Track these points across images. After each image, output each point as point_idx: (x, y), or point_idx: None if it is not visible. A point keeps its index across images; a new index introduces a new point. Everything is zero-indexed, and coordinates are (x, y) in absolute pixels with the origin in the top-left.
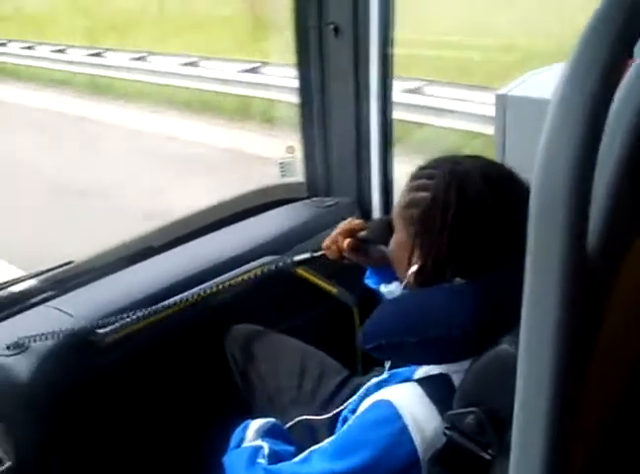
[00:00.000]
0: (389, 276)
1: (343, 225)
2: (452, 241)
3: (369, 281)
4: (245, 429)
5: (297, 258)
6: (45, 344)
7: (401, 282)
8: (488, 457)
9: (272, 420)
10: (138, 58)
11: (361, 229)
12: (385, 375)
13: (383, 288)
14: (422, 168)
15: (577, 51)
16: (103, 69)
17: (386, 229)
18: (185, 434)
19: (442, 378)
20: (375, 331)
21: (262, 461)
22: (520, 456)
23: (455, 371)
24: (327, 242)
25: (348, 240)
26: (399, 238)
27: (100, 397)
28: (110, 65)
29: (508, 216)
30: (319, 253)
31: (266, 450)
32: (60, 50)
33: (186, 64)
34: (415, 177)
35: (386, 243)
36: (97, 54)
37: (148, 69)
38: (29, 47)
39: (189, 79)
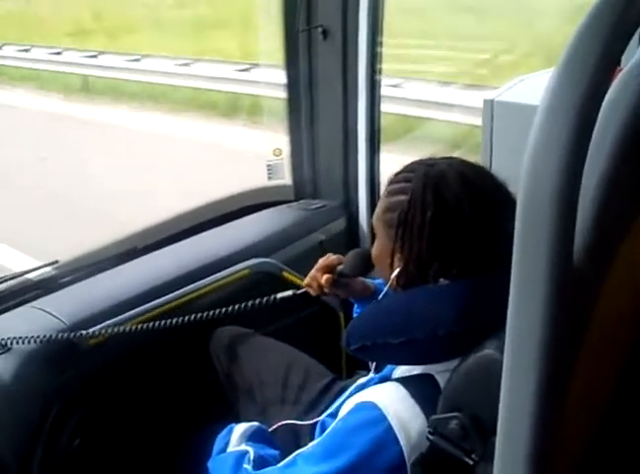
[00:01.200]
0: None
1: (321, 262)
2: (433, 242)
3: (356, 314)
4: (229, 433)
5: (280, 295)
6: (29, 345)
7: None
8: (471, 463)
9: (256, 424)
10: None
11: (339, 263)
12: (366, 379)
13: None
14: (398, 172)
15: (565, 58)
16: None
17: (362, 261)
18: (169, 437)
19: (426, 378)
20: (360, 332)
21: (247, 467)
22: (503, 462)
23: (439, 371)
24: (307, 280)
25: (326, 276)
26: (380, 242)
27: (83, 399)
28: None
29: (486, 215)
30: (301, 291)
31: (251, 455)
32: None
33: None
34: (392, 181)
35: (364, 274)
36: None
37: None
38: None
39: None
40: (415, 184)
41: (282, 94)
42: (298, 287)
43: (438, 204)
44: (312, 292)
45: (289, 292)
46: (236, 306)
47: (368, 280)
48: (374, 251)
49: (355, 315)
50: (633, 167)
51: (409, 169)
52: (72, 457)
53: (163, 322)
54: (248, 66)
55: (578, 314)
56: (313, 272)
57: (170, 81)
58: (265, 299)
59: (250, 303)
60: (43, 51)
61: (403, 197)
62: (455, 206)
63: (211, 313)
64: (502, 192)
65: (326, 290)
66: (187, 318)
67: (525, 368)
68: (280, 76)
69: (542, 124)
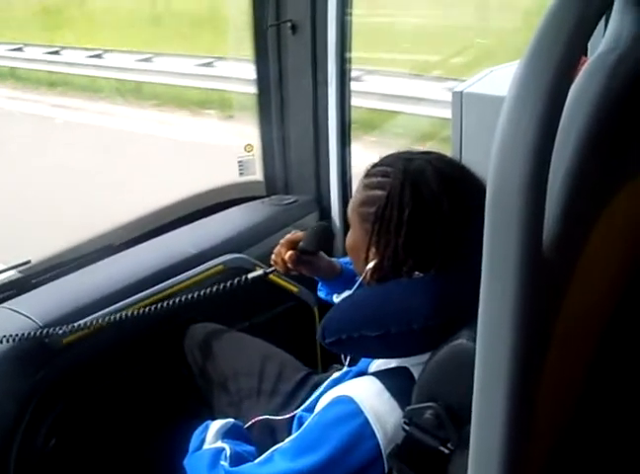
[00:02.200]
0: (341, 287)
1: (286, 237)
2: (409, 239)
3: (321, 293)
4: (205, 430)
5: (251, 275)
6: (1, 346)
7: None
8: (447, 452)
9: (231, 420)
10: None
11: (302, 240)
12: (341, 372)
13: (335, 299)
14: (375, 165)
15: (532, 49)
16: None
17: (320, 236)
18: (145, 434)
19: (402, 371)
20: (334, 325)
21: (224, 463)
22: (478, 450)
23: (414, 364)
24: (273, 256)
25: (289, 253)
26: (355, 235)
27: (58, 398)
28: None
29: (463, 211)
30: (271, 269)
31: (227, 452)
32: None
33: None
34: (369, 174)
35: (324, 249)
36: None
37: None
38: None
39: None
40: (393, 179)
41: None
42: (266, 274)
43: (415, 202)
44: (279, 269)
45: (260, 271)
46: (207, 290)
47: (334, 259)
48: (348, 241)
49: (319, 293)
50: (600, 156)
51: (387, 162)
52: (48, 457)
53: (137, 319)
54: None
55: (548, 303)
56: (278, 247)
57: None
58: (236, 280)
59: (222, 286)
60: None
61: (380, 193)
62: (433, 205)
63: (183, 299)
64: (479, 188)
65: (290, 266)
66: (157, 311)
67: (497, 357)
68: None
69: (509, 115)
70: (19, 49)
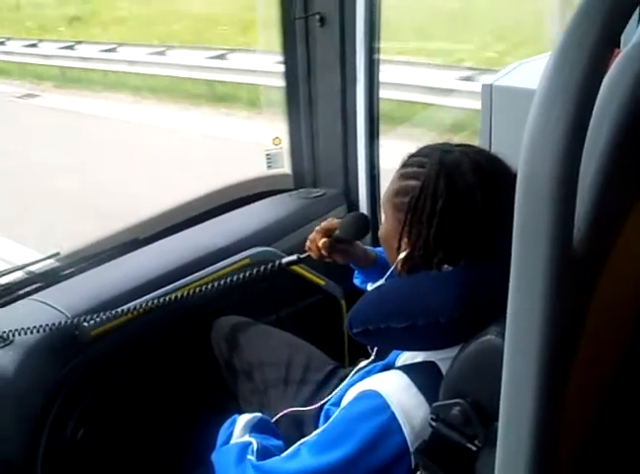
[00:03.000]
0: (375, 275)
1: (322, 224)
2: (441, 230)
3: (356, 281)
4: (232, 424)
5: (285, 260)
6: (30, 337)
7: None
8: (474, 449)
9: (258, 414)
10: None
11: (337, 228)
12: (369, 366)
13: (369, 287)
14: (412, 155)
15: (563, 41)
16: None
17: (357, 225)
18: (172, 428)
19: (429, 366)
20: (362, 316)
21: (251, 458)
22: (506, 448)
23: (442, 359)
24: (307, 243)
25: (323, 240)
26: (389, 224)
27: (86, 390)
28: None
29: (497, 206)
30: (305, 254)
31: (255, 446)
32: None
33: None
34: (405, 164)
35: (359, 238)
36: None
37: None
38: None
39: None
40: (429, 170)
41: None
42: (300, 260)
43: (449, 194)
44: (313, 255)
45: (294, 257)
46: (241, 275)
47: (369, 248)
48: (381, 231)
49: (354, 280)
50: (632, 150)
51: (424, 153)
52: (76, 448)
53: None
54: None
55: (578, 299)
56: (313, 234)
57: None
58: (270, 265)
59: (255, 270)
60: None
61: (415, 183)
62: (467, 197)
63: (212, 287)
64: (514, 183)
65: (324, 253)
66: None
67: (526, 353)
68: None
69: (540, 109)
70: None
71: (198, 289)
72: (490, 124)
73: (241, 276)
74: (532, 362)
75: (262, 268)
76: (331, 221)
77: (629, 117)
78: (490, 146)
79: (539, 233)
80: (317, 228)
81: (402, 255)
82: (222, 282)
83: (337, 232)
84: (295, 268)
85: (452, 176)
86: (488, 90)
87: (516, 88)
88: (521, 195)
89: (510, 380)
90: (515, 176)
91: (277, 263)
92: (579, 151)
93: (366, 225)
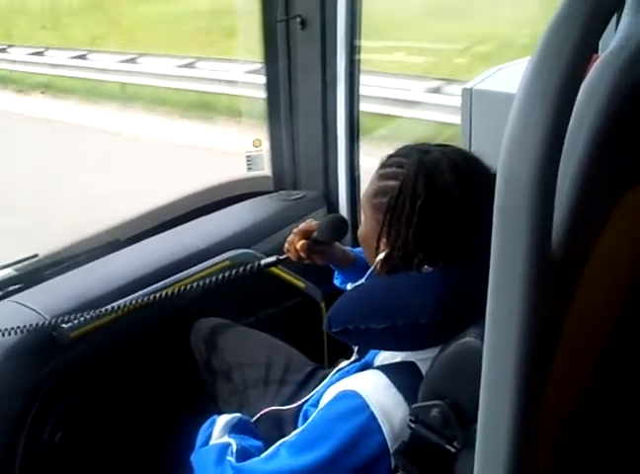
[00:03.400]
0: (355, 276)
1: (300, 226)
2: (420, 230)
3: (336, 281)
4: (211, 425)
5: (264, 261)
6: (8, 339)
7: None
8: (453, 450)
9: (237, 415)
10: None
11: (315, 230)
12: (347, 365)
13: (349, 287)
14: (391, 156)
15: (542, 45)
16: None
17: (335, 226)
18: (151, 430)
19: (408, 366)
20: (341, 315)
21: (230, 459)
22: (484, 449)
23: (421, 359)
24: (286, 245)
25: (301, 242)
26: (368, 225)
27: (65, 392)
28: None
29: (476, 207)
30: (284, 256)
31: (234, 447)
32: None
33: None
34: (384, 165)
35: (337, 239)
36: None
37: None
38: None
39: None
40: (407, 170)
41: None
42: (279, 261)
43: (428, 194)
44: (292, 257)
45: (273, 258)
46: (220, 276)
47: (348, 248)
48: (361, 231)
49: (334, 281)
50: (610, 155)
51: (402, 153)
52: (54, 451)
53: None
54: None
55: (556, 304)
56: (291, 236)
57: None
58: (249, 266)
59: (234, 271)
60: None
61: (394, 183)
62: (446, 197)
63: (191, 288)
64: (487, 178)
65: (302, 255)
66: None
67: (505, 356)
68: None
69: (519, 113)
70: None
71: (177, 290)
72: (470, 128)
73: (220, 276)
74: (511, 365)
75: (241, 269)
76: (309, 223)
77: (607, 121)
78: (470, 149)
79: (518, 236)
80: (295, 230)
81: (381, 255)
82: (202, 283)
83: (315, 234)
84: (275, 270)
85: (431, 175)
86: (468, 94)
87: (495, 92)
88: (500, 198)
89: (488, 383)
90: (493, 175)
91: (255, 264)
92: (557, 155)
93: (344, 226)
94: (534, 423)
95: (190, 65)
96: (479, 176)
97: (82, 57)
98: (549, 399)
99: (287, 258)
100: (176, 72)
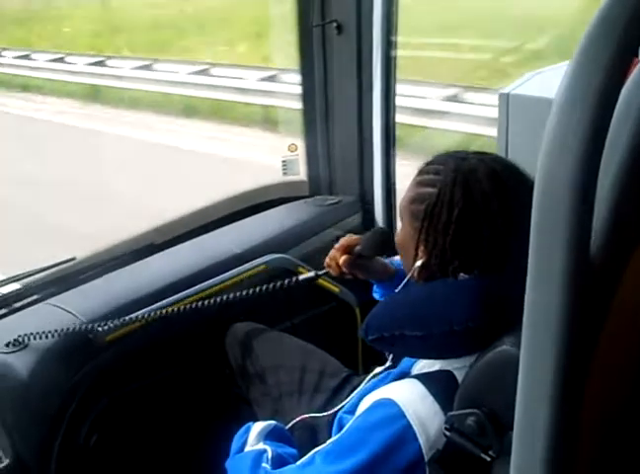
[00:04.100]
0: (394, 288)
1: (341, 241)
2: (457, 239)
3: (376, 295)
4: (247, 431)
5: (302, 277)
6: (45, 342)
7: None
8: (488, 459)
9: (273, 422)
10: None
11: (357, 244)
12: (383, 374)
13: None
14: (429, 163)
15: (581, 50)
16: None
17: (380, 241)
18: (186, 435)
19: (445, 375)
20: (378, 322)
21: (266, 466)
22: (520, 459)
23: (457, 368)
24: (327, 260)
25: (344, 257)
26: (405, 231)
27: (100, 395)
28: None
29: (513, 215)
30: (323, 271)
31: (269, 454)
32: None
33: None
34: (422, 171)
35: (382, 254)
36: None
37: None
38: None
39: None
40: (445, 178)
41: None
42: (317, 276)
43: (466, 202)
44: (332, 272)
45: (312, 273)
46: (257, 289)
47: (389, 261)
48: (399, 238)
49: (374, 294)
50: None
51: (440, 161)
52: (90, 453)
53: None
54: None
55: (595, 310)
56: (333, 251)
57: None
58: (287, 281)
59: (272, 285)
60: None
61: (431, 190)
62: (483, 205)
63: (226, 298)
64: (531, 191)
65: (345, 270)
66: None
67: (542, 364)
68: None
69: (558, 119)
70: None
71: (213, 300)
72: (507, 134)
73: (257, 289)
74: (547, 374)
75: (278, 283)
76: (350, 237)
77: None
78: (507, 154)
79: (556, 240)
80: (337, 246)
81: (419, 263)
82: (238, 294)
83: (358, 248)
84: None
85: (468, 183)
86: (505, 98)
87: (533, 97)
88: (539, 201)
89: (525, 391)
90: (532, 183)
91: (293, 279)
92: (597, 160)
93: (390, 241)
94: (572, 432)
95: None
96: (517, 183)
97: None
98: (587, 407)
99: (327, 273)
100: None
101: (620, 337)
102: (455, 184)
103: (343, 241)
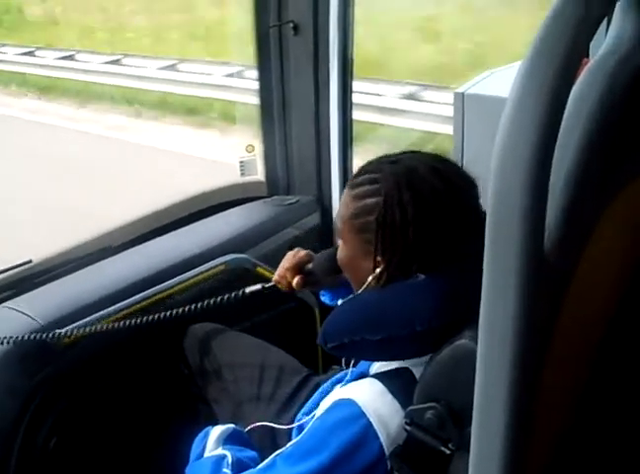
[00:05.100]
0: (344, 292)
1: (290, 258)
2: (416, 239)
3: (324, 299)
4: (205, 436)
5: (249, 289)
6: (1, 346)
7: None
8: (448, 452)
9: (231, 426)
10: None
11: (308, 261)
12: (341, 374)
13: (340, 302)
14: (358, 175)
15: (533, 50)
16: None
17: (334, 263)
18: (146, 436)
19: (403, 372)
20: (336, 329)
21: (227, 471)
22: (479, 451)
23: (415, 364)
24: (276, 277)
25: (296, 279)
26: (351, 247)
27: (59, 398)
28: None
29: (461, 204)
30: (270, 284)
31: (229, 459)
32: None
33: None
34: (355, 185)
35: (339, 273)
36: None
37: None
38: None
39: None
40: (386, 184)
41: None
42: (268, 281)
43: (416, 201)
44: (282, 288)
45: (258, 286)
46: (205, 303)
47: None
48: (341, 256)
49: (322, 298)
50: (601, 157)
51: (371, 169)
52: (49, 457)
53: (136, 320)
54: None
55: (549, 304)
56: (282, 270)
57: None
58: (233, 294)
59: (219, 298)
60: None
61: (375, 199)
62: (434, 201)
63: (181, 310)
64: (466, 179)
65: (295, 288)
66: (158, 316)
67: (499, 357)
68: None
69: (511, 116)
70: None
71: (169, 303)
72: (462, 132)
73: (206, 302)
74: (505, 366)
75: (225, 296)
76: (298, 253)
77: (598, 124)
78: (462, 153)
79: (511, 235)
80: (286, 265)
81: (377, 271)
82: (189, 307)
83: (310, 266)
84: (268, 274)
85: (413, 183)
86: (460, 98)
87: (487, 96)
88: (493, 201)
89: (482, 384)
90: (468, 174)
91: (240, 292)
92: (549, 158)
93: None
94: (528, 423)
95: None
96: (459, 177)
97: None
98: (544, 399)
99: (274, 286)
100: None
101: (576, 329)
102: (400, 187)
103: (291, 260)
